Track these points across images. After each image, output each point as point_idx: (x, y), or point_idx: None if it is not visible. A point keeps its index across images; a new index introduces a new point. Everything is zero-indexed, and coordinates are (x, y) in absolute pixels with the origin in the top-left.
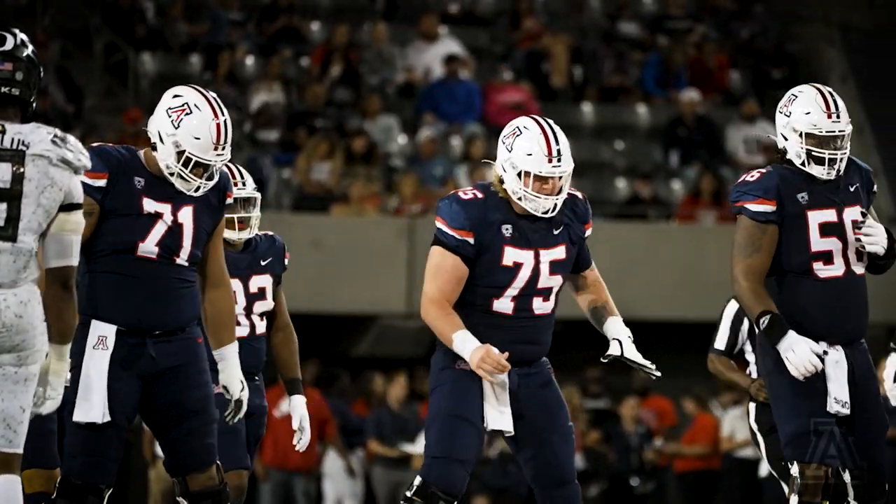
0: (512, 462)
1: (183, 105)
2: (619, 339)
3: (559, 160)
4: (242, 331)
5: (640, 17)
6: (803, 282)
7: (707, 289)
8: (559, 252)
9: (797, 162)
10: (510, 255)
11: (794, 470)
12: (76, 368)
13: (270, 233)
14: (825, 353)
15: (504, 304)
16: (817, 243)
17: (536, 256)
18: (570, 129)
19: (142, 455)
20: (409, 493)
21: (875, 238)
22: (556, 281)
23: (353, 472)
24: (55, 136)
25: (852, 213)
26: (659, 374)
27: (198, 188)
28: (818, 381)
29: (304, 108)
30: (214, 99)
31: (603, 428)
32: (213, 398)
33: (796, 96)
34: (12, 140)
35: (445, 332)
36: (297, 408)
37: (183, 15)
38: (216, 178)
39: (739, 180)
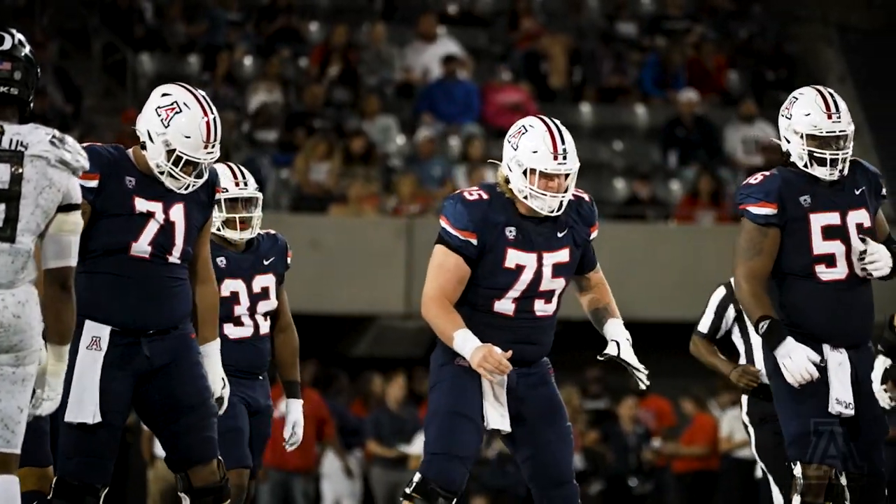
0: (510, 462)
1: (172, 103)
2: (618, 340)
3: (565, 158)
4: (246, 331)
5: (639, 18)
6: (806, 284)
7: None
8: (562, 255)
9: (800, 164)
10: (513, 258)
11: (797, 471)
12: (69, 369)
13: (272, 231)
14: (822, 362)
15: (505, 306)
16: (820, 246)
17: (539, 259)
18: (568, 130)
19: (140, 455)
20: (408, 490)
21: (879, 263)
22: (559, 284)
23: (352, 472)
24: (54, 136)
25: (857, 217)
26: (648, 383)
27: (188, 186)
28: (820, 382)
29: (302, 108)
30: (203, 97)
31: (601, 428)
32: (210, 391)
33: (797, 98)
34: (11, 141)
35: (446, 331)
36: (291, 412)
37: (181, 15)
38: (206, 176)
39: (743, 183)
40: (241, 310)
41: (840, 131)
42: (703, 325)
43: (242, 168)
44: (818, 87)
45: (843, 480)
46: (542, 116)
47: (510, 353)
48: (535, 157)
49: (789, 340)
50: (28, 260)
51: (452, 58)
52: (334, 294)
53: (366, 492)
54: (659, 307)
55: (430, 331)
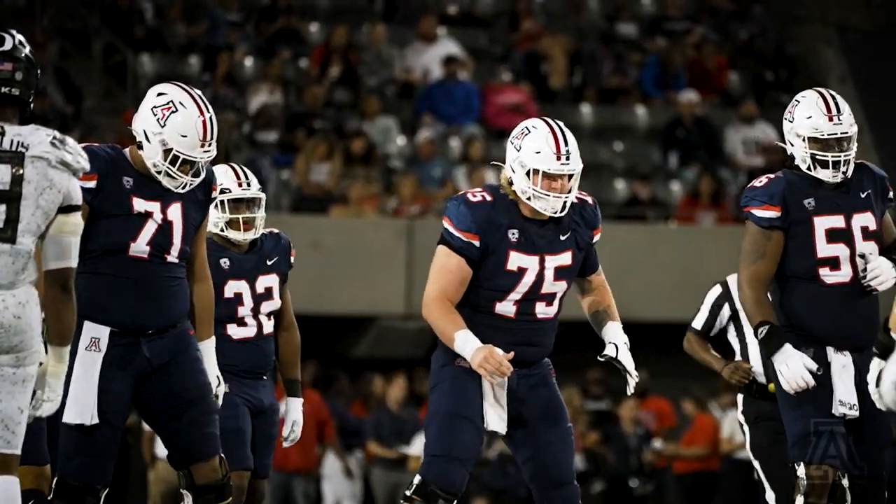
0: (511, 463)
1: (168, 103)
2: (616, 343)
3: (568, 158)
4: (250, 331)
5: (639, 19)
6: (809, 287)
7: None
8: (565, 258)
9: (803, 167)
10: (515, 260)
11: (800, 471)
12: (68, 369)
13: (275, 230)
14: (820, 370)
15: (506, 308)
16: (823, 249)
17: (541, 262)
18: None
19: (141, 456)
20: (408, 492)
21: (882, 277)
22: (561, 286)
23: (352, 473)
24: (54, 137)
25: (862, 220)
26: (633, 391)
27: (185, 185)
28: (823, 384)
29: (302, 109)
30: (199, 96)
31: (602, 429)
32: (210, 386)
33: (799, 102)
34: (12, 142)
35: (447, 331)
36: (291, 411)
37: (182, 16)
38: (203, 175)
39: (748, 185)
40: (244, 310)
41: (842, 133)
42: (698, 322)
43: (245, 169)
44: (820, 89)
45: (846, 482)
46: (545, 118)
47: (511, 354)
48: (539, 157)
49: (787, 347)
50: (29, 261)
51: (453, 59)
52: (335, 295)
53: (366, 493)
54: (659, 308)
55: (430, 331)
